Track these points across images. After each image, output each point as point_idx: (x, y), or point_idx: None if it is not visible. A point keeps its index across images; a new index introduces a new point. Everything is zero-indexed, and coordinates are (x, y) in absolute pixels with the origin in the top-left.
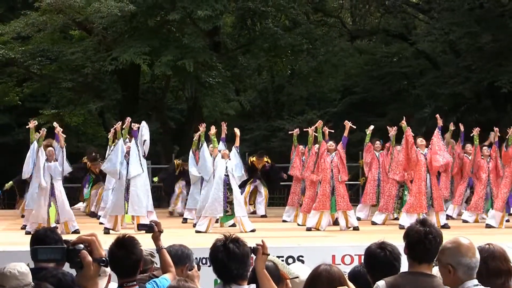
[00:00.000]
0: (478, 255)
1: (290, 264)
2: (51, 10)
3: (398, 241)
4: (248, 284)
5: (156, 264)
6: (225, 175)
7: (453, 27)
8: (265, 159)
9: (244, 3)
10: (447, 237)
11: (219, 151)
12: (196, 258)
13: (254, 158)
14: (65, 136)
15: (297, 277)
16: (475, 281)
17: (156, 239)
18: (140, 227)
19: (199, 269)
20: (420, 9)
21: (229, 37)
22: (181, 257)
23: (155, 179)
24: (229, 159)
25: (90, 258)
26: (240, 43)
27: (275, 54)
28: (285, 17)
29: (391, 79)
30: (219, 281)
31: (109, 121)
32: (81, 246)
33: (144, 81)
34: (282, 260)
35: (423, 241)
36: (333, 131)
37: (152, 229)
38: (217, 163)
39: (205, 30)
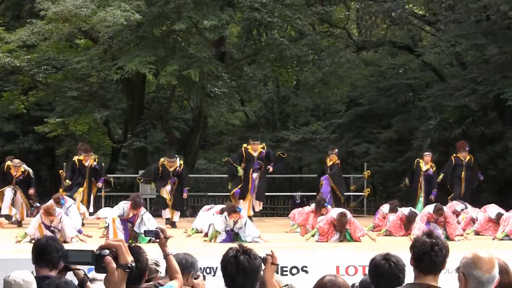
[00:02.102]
0: (495, 272)
1: (294, 274)
2: (57, 19)
3: (403, 252)
4: None
5: (161, 273)
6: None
7: (460, 39)
8: (260, 146)
9: (250, 14)
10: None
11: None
12: (200, 268)
13: (248, 146)
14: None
15: (287, 285)
16: None
17: (162, 245)
18: (147, 234)
19: (204, 278)
20: (427, 21)
21: (235, 47)
22: (185, 266)
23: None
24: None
25: (114, 264)
26: (246, 53)
27: (280, 64)
28: (291, 28)
29: (397, 91)
30: None
31: (114, 130)
32: (107, 251)
33: (150, 91)
34: (286, 270)
35: (429, 253)
36: None
37: (158, 235)
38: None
39: (211, 40)
